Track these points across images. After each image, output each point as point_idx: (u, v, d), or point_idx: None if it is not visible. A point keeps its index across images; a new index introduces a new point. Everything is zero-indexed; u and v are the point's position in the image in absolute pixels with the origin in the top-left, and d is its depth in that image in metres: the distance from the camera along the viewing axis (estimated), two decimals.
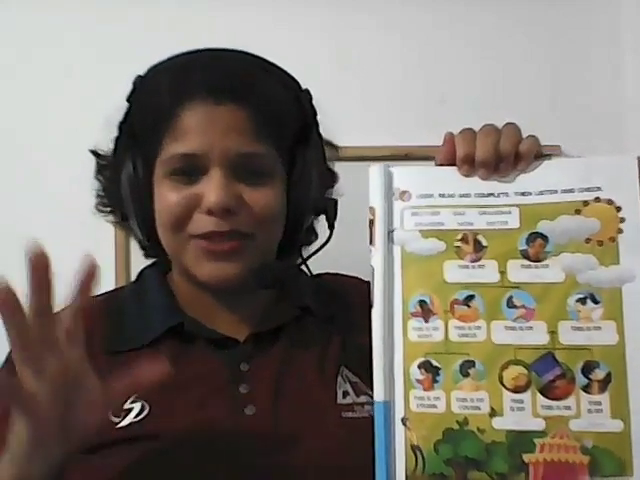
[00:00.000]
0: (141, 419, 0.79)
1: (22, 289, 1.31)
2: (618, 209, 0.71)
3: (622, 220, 0.71)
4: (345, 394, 0.84)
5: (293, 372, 0.85)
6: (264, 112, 0.81)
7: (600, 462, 0.68)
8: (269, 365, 0.85)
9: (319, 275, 0.98)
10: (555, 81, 1.43)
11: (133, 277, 1.03)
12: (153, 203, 0.84)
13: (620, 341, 0.69)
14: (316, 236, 0.96)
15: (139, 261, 0.98)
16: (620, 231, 0.71)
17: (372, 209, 0.76)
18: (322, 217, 0.93)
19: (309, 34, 1.42)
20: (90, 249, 1.12)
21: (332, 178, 0.97)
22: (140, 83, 0.87)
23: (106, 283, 1.27)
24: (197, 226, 0.81)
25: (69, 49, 1.38)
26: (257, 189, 0.82)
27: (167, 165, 0.81)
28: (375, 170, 0.76)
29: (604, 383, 0.69)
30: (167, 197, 0.82)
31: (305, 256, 0.93)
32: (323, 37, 1.42)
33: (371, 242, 0.75)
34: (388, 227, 0.75)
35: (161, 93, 0.83)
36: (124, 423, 0.79)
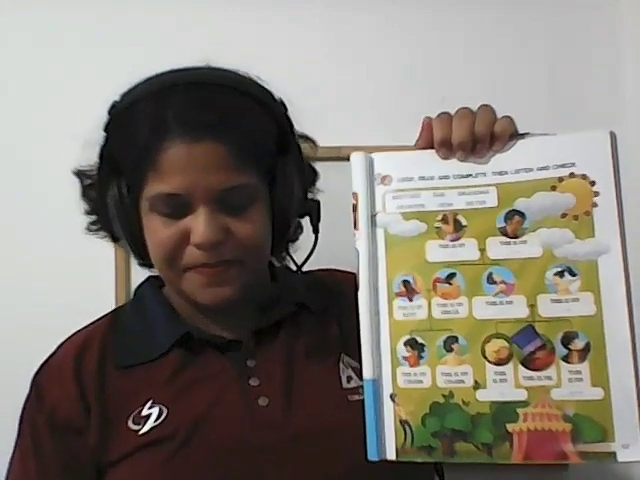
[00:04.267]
0: (161, 422, 0.82)
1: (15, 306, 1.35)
2: (592, 183, 0.73)
3: (596, 194, 0.72)
4: (349, 379, 0.88)
5: (297, 363, 0.89)
6: (243, 144, 0.82)
7: (582, 429, 0.70)
8: (274, 358, 0.88)
9: (312, 271, 1.01)
10: (555, 81, 1.42)
11: (134, 280, 1.06)
12: (141, 226, 0.86)
13: (598, 311, 0.71)
14: (301, 229, 0.99)
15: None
16: (595, 205, 0.72)
17: (355, 194, 0.78)
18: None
19: (309, 34, 1.43)
20: (90, 252, 1.17)
21: (312, 175, 0.98)
22: (116, 114, 0.87)
23: (107, 287, 1.33)
24: (189, 259, 0.83)
25: (69, 49, 1.39)
26: (242, 220, 0.83)
27: (152, 202, 0.83)
28: (356, 157, 0.79)
29: (583, 352, 0.71)
30: (157, 232, 0.84)
31: (291, 253, 0.97)
32: (323, 37, 1.43)
33: (355, 226, 0.78)
34: (371, 211, 0.78)
35: (138, 128, 0.83)
36: (145, 429, 0.82)
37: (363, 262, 0.77)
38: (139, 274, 1.01)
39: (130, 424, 0.83)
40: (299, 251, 0.99)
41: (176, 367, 0.86)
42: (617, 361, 0.70)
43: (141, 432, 0.82)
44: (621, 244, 0.71)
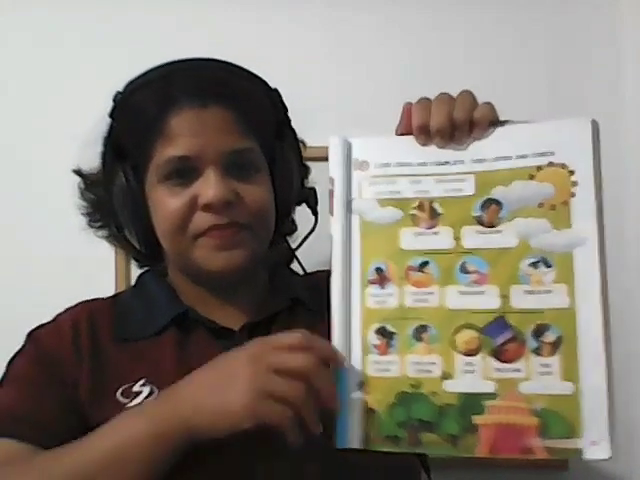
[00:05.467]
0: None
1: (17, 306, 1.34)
2: (571, 173, 0.71)
3: (575, 184, 0.71)
4: None
5: None
6: (247, 112, 0.85)
7: (549, 424, 0.68)
8: None
9: (312, 273, 1.02)
10: (555, 81, 1.41)
11: (133, 279, 1.07)
12: (148, 210, 0.87)
13: (571, 304, 0.69)
14: (296, 226, 1.01)
15: None
16: (573, 195, 0.71)
17: (332, 179, 0.77)
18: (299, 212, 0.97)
19: (309, 34, 1.42)
20: (90, 252, 1.17)
21: (306, 171, 1.01)
22: (121, 98, 0.89)
23: (107, 287, 1.32)
24: (198, 224, 0.84)
25: (69, 49, 1.40)
26: (249, 184, 0.85)
27: (162, 169, 0.84)
28: (334, 141, 0.78)
29: (555, 346, 0.69)
30: (166, 202, 0.84)
31: (291, 245, 0.99)
32: (323, 37, 1.42)
33: (331, 212, 0.77)
34: (347, 197, 0.77)
35: (146, 104, 0.85)
36: (132, 404, 0.81)
37: (337, 248, 0.76)
38: (137, 271, 1.01)
39: (119, 396, 0.82)
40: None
41: (172, 349, 0.86)
42: (588, 356, 0.68)
43: (128, 406, 0.81)
44: (598, 236, 0.69)
